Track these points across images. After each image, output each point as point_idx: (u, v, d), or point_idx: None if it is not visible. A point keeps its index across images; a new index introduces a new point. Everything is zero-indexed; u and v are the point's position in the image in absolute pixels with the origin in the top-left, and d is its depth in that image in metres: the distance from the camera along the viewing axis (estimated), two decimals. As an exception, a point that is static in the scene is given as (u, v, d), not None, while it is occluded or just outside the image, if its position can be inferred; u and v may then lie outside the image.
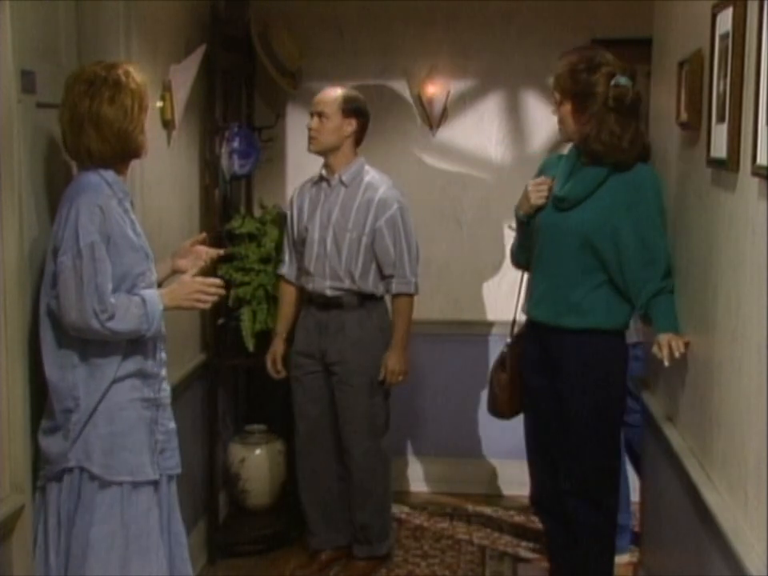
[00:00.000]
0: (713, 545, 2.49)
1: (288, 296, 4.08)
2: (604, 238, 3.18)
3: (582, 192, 3.22)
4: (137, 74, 2.74)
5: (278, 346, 4.06)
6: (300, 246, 3.97)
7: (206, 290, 2.85)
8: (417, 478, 4.93)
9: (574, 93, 3.20)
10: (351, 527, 4.07)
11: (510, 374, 3.49)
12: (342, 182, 3.89)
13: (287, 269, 4.07)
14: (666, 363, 2.95)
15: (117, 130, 2.68)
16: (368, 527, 4.03)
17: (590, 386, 3.24)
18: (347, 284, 3.88)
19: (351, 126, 3.87)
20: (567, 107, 3.24)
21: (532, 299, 3.39)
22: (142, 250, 2.77)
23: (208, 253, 3.07)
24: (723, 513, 2.41)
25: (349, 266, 3.86)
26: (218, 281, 2.91)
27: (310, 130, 3.88)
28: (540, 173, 3.48)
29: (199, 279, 2.87)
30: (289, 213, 4.06)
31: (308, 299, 3.98)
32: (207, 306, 2.89)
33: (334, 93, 3.88)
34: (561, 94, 3.25)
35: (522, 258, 3.53)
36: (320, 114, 3.84)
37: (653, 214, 3.18)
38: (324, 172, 3.94)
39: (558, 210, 3.26)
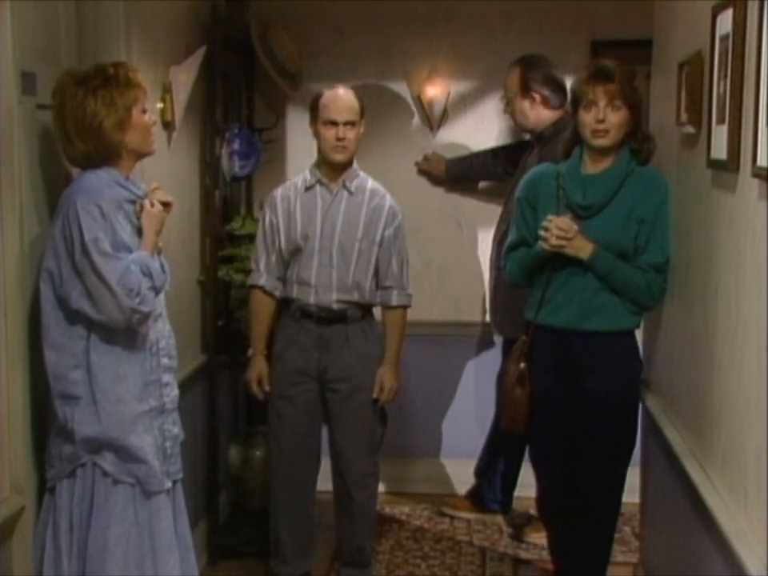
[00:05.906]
0: (713, 545, 2.49)
1: (267, 309, 3.75)
2: (629, 241, 3.25)
3: (605, 197, 3.27)
4: (116, 70, 2.68)
5: (262, 366, 3.74)
6: (289, 255, 3.69)
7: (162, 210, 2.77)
8: (418, 479, 4.92)
9: (635, 101, 3.26)
10: (343, 551, 3.86)
11: (531, 389, 3.41)
12: (347, 189, 3.66)
13: (265, 279, 3.73)
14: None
15: (77, 126, 2.64)
16: (363, 549, 3.86)
17: (619, 384, 3.34)
18: (355, 296, 3.66)
19: (363, 126, 3.69)
20: (624, 113, 3.24)
21: (547, 306, 3.36)
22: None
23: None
24: (723, 514, 2.41)
25: (357, 278, 3.67)
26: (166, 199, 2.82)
27: (341, 140, 3.57)
28: (531, 189, 3.41)
29: (155, 206, 2.77)
30: (271, 218, 3.71)
31: (302, 313, 3.69)
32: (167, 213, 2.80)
33: (351, 97, 3.64)
34: (622, 100, 3.23)
35: (527, 279, 3.44)
36: (352, 124, 3.60)
37: (663, 215, 3.27)
38: (321, 178, 3.68)
39: (580, 218, 3.27)
